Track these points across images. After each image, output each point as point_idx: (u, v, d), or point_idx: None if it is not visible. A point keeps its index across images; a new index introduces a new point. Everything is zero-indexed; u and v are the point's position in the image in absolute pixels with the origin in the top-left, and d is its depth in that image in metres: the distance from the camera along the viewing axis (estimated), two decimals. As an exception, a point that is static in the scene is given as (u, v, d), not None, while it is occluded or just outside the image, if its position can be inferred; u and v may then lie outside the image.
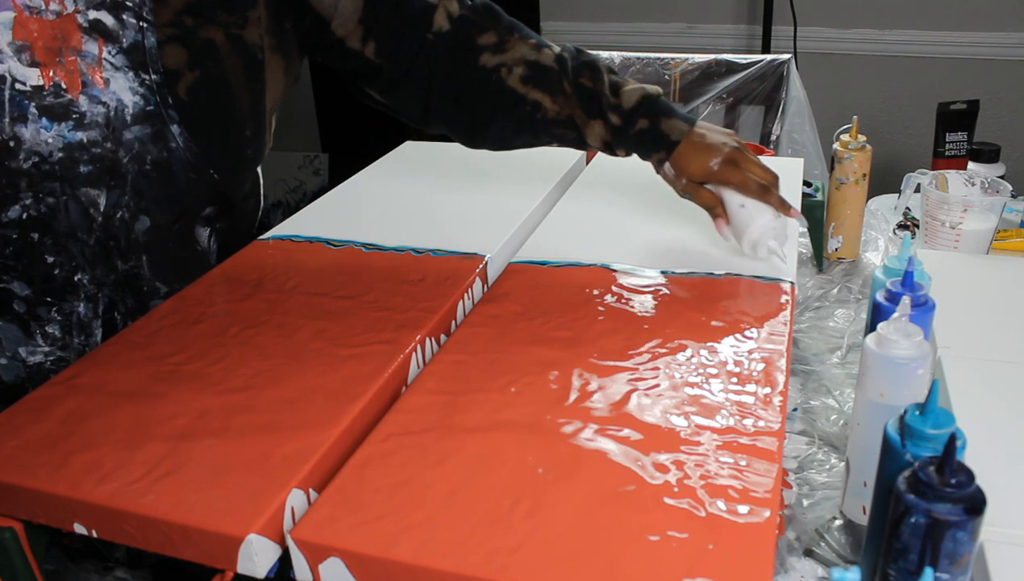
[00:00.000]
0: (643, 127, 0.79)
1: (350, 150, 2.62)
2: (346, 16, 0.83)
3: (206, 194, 0.80)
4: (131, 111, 0.73)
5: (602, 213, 0.95)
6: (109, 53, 0.72)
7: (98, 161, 0.73)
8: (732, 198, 0.79)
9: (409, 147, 1.21)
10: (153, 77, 0.73)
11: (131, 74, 0.73)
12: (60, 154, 0.72)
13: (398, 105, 0.89)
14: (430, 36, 0.83)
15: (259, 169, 0.94)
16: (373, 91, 0.88)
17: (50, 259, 0.75)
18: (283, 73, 0.86)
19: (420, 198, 1.01)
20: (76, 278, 0.76)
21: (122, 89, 0.73)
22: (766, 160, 1.15)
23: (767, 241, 0.79)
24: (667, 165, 0.81)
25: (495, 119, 0.84)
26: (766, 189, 0.78)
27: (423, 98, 0.86)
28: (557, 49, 0.83)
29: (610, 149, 0.83)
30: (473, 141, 0.90)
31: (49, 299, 0.76)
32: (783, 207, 0.79)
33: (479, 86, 0.83)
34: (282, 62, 0.85)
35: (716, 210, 0.81)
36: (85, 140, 0.73)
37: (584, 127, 0.82)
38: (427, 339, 0.71)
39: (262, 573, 0.52)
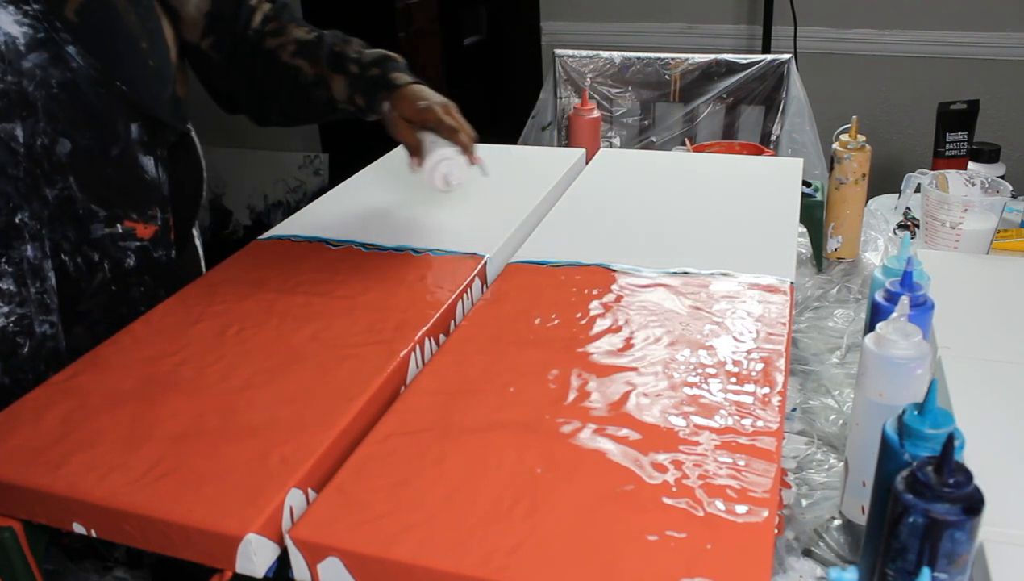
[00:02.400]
0: (374, 74, 0.92)
1: (350, 150, 2.62)
2: (197, 8, 0.91)
3: (123, 109, 0.81)
4: (23, 42, 0.74)
5: (602, 213, 0.95)
6: None
7: (4, 96, 0.74)
8: (426, 137, 0.90)
9: (409, 147, 1.21)
10: (35, 7, 0.74)
11: (11, 8, 0.73)
12: None
13: (210, 86, 0.99)
14: (249, 33, 0.96)
15: (187, 119, 0.96)
16: (194, 69, 0.97)
17: None
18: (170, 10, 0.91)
19: (420, 198, 1.01)
20: (17, 219, 0.76)
21: (7, 23, 0.73)
22: (765, 160, 1.15)
23: (442, 169, 0.88)
24: (387, 104, 0.92)
25: (274, 92, 0.97)
26: (455, 131, 0.89)
27: (231, 83, 0.98)
28: (324, 32, 0.96)
29: (352, 101, 0.94)
30: (261, 118, 1.01)
31: None
32: (467, 149, 0.90)
33: (263, 65, 0.96)
34: None
35: (414, 149, 0.92)
36: None
37: (331, 82, 0.94)
38: (426, 339, 0.72)
39: (261, 573, 0.52)
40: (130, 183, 0.83)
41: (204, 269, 1.06)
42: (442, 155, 0.88)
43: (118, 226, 0.82)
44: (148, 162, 0.84)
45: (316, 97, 0.95)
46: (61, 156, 0.77)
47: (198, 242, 1.05)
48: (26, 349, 0.78)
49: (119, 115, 0.81)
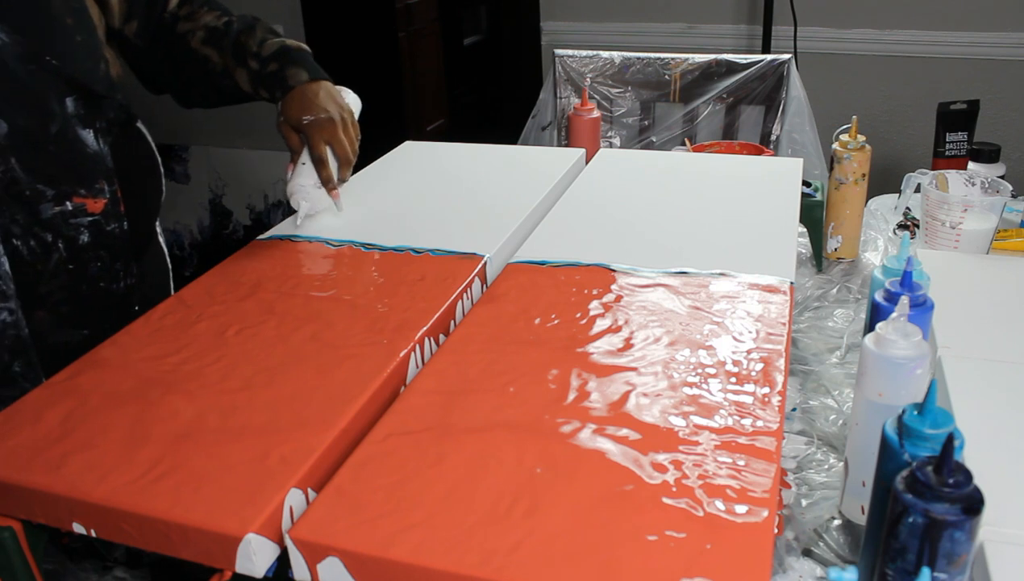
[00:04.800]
0: (272, 70, 0.94)
1: (350, 150, 2.63)
2: None
3: (56, 84, 0.80)
4: None
5: (602, 213, 0.95)
6: None
7: None
8: (304, 153, 0.94)
9: (409, 147, 1.21)
10: None
11: None
12: None
13: (136, 70, 1.01)
14: (166, 16, 0.97)
15: (136, 116, 0.97)
16: (124, 57, 0.98)
17: None
18: None
19: (420, 198, 1.01)
20: None
21: None
22: (765, 160, 1.15)
23: (299, 198, 0.93)
24: (279, 104, 0.94)
25: (189, 77, 0.98)
26: (322, 162, 0.92)
27: (153, 66, 0.99)
28: (233, 17, 0.98)
29: (259, 94, 0.96)
30: (184, 100, 1.03)
31: None
32: (327, 183, 0.93)
33: (175, 49, 0.97)
34: None
35: (293, 156, 0.95)
36: None
37: (235, 73, 0.95)
38: (426, 339, 0.72)
39: (260, 573, 0.52)
40: (73, 159, 0.83)
41: (171, 270, 1.06)
42: (301, 185, 0.92)
43: (67, 203, 0.82)
44: (88, 136, 0.84)
45: (226, 86, 0.96)
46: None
47: (162, 240, 1.05)
48: None
49: (52, 91, 0.80)
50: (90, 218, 0.84)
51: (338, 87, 0.97)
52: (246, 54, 0.94)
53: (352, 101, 0.99)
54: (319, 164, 0.92)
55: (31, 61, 0.77)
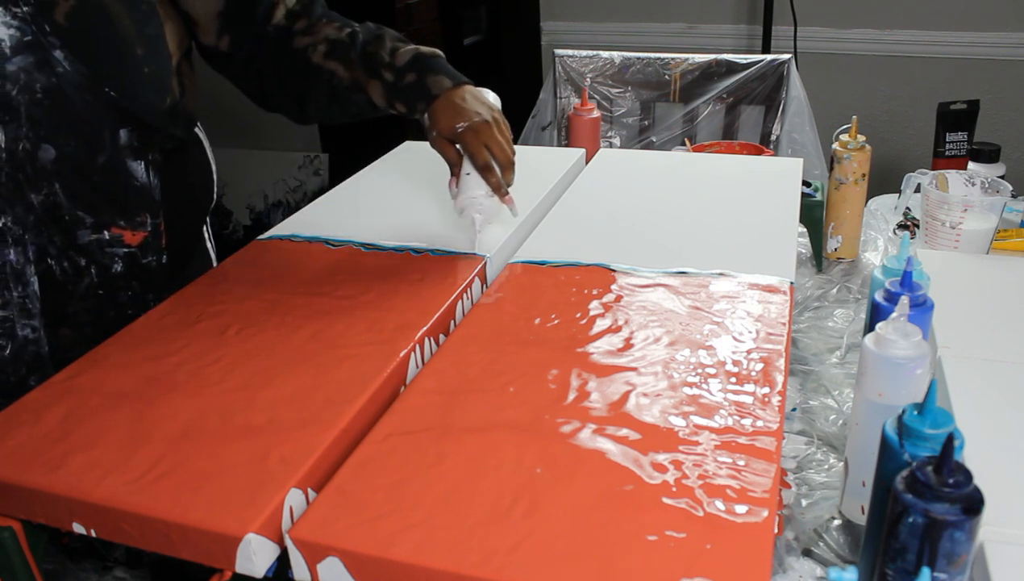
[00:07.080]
0: (411, 81, 0.87)
1: (350, 150, 2.62)
2: (207, 9, 0.88)
3: (111, 115, 0.80)
4: (8, 44, 0.73)
5: (602, 213, 0.95)
6: None
7: None
8: (466, 163, 0.86)
9: (409, 147, 1.21)
10: (25, 9, 0.73)
11: (0, 10, 0.72)
12: None
13: (240, 86, 0.97)
14: (270, 29, 0.92)
15: (196, 121, 0.94)
16: (217, 69, 0.96)
17: None
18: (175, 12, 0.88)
19: (420, 198, 1.01)
20: (0, 223, 0.76)
21: None
22: (765, 160, 1.15)
23: (472, 212, 0.85)
24: (425, 116, 0.87)
25: (309, 94, 0.92)
26: (488, 168, 0.84)
27: (260, 81, 0.94)
28: (356, 27, 0.92)
29: (393, 106, 0.90)
30: (300, 117, 0.97)
31: None
32: (498, 190, 0.86)
33: (293, 65, 0.91)
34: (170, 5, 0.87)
35: (454, 169, 0.88)
36: None
37: (367, 87, 0.89)
38: (426, 339, 0.72)
39: (260, 573, 0.52)
40: (118, 190, 0.82)
41: None
42: (472, 197, 0.85)
43: (105, 233, 0.82)
44: (138, 168, 0.83)
45: (356, 100, 0.90)
46: (45, 162, 0.77)
47: (210, 246, 1.03)
48: (8, 351, 0.78)
49: (106, 121, 0.79)
50: (126, 250, 0.83)
51: (478, 88, 0.91)
52: (378, 65, 0.87)
53: (493, 101, 0.92)
54: (486, 171, 0.84)
55: (89, 91, 0.77)
